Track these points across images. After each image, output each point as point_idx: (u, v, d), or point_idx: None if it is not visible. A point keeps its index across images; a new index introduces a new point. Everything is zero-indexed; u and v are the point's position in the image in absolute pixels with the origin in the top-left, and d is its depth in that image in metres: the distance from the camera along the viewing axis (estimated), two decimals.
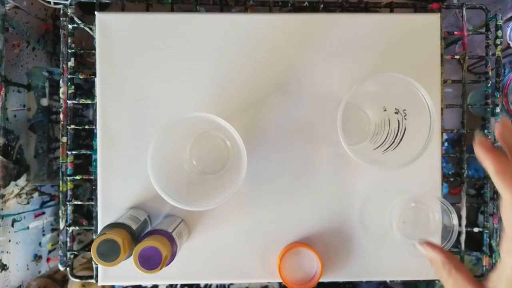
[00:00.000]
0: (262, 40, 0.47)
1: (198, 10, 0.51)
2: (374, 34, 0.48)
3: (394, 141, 0.38)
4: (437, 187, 0.48)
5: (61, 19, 0.49)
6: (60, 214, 0.49)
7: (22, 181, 0.57)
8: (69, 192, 0.49)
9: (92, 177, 0.48)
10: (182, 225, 0.45)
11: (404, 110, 0.39)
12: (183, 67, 0.47)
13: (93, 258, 0.37)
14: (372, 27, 0.48)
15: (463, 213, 0.50)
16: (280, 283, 0.66)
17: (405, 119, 0.38)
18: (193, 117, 0.37)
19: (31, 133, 0.58)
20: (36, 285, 0.58)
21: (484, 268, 0.51)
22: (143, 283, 0.50)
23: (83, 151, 0.50)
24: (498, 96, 0.51)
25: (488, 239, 0.51)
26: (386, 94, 0.41)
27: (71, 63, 0.49)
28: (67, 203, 0.49)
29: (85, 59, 0.67)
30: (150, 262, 0.37)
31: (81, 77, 0.49)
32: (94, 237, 0.49)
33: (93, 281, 0.49)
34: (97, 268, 0.48)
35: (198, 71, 0.47)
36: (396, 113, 0.39)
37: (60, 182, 0.49)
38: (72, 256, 0.50)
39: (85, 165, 0.68)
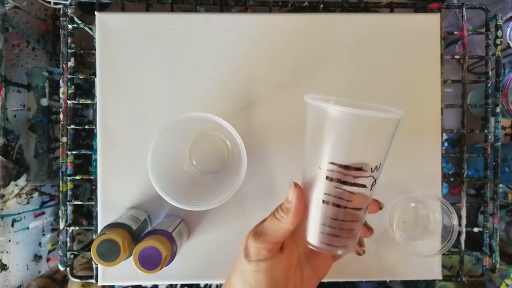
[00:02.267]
0: (262, 40, 0.47)
1: (198, 10, 0.51)
2: (374, 34, 0.48)
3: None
4: (437, 187, 0.48)
5: (61, 19, 0.49)
6: (60, 214, 0.49)
7: (22, 181, 0.57)
8: (69, 192, 0.49)
9: (92, 177, 0.48)
10: (182, 225, 0.45)
11: None
12: (183, 67, 0.47)
13: (93, 258, 0.37)
14: (372, 27, 0.48)
15: (463, 213, 0.50)
16: None
17: None
18: (193, 117, 0.37)
19: (31, 133, 0.58)
20: (36, 285, 0.58)
21: (484, 268, 0.51)
22: (143, 283, 0.50)
23: (83, 151, 0.50)
24: (498, 96, 0.51)
25: (488, 239, 0.51)
26: None
27: (71, 63, 0.49)
28: (67, 203, 0.49)
29: (85, 59, 0.67)
30: (150, 262, 0.37)
31: (81, 77, 0.49)
32: (94, 237, 0.49)
33: (93, 281, 0.49)
34: (97, 268, 0.48)
35: (198, 71, 0.47)
36: None
37: (60, 182, 0.49)
38: (72, 256, 0.50)
39: (85, 165, 0.68)
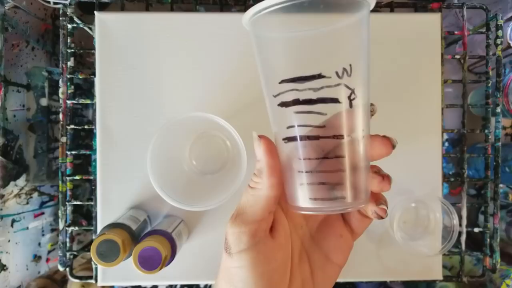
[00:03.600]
0: None
1: (198, 10, 0.51)
2: (374, 33, 0.48)
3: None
4: (437, 187, 0.48)
5: (60, 18, 0.49)
6: (60, 214, 0.49)
7: (21, 181, 0.57)
8: (69, 192, 0.49)
9: (91, 177, 0.48)
10: (181, 225, 0.45)
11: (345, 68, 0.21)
12: (183, 67, 0.47)
13: (93, 259, 0.37)
14: (372, 27, 0.48)
15: (464, 213, 0.50)
16: None
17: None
18: (193, 117, 0.37)
19: (31, 133, 0.58)
20: (36, 285, 0.58)
21: (484, 268, 0.51)
22: (142, 284, 0.50)
23: (82, 151, 0.49)
24: (498, 96, 0.51)
25: (488, 240, 0.50)
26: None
27: (70, 63, 0.49)
28: (67, 203, 0.49)
29: (85, 59, 0.67)
30: (150, 262, 0.37)
31: (80, 77, 0.49)
32: (93, 237, 0.48)
33: (92, 281, 0.49)
34: (96, 268, 0.48)
35: (198, 71, 0.47)
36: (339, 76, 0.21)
37: (60, 182, 0.49)
38: (71, 257, 0.50)
39: (85, 165, 0.67)
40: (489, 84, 0.51)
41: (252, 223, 0.22)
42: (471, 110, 0.67)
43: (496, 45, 0.50)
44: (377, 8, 0.54)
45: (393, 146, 0.22)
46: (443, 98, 0.48)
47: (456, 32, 0.51)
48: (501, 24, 0.49)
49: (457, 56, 0.51)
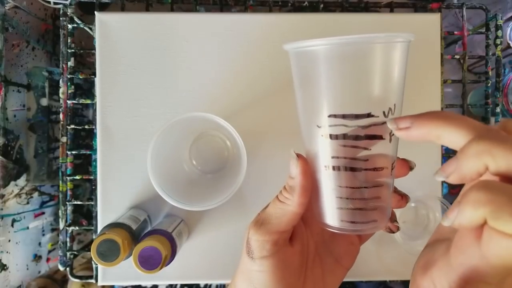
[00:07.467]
0: (262, 40, 0.47)
1: (198, 10, 0.51)
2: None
3: None
4: (437, 187, 0.48)
5: (61, 19, 0.49)
6: (60, 214, 0.49)
7: (21, 181, 0.57)
8: (69, 192, 0.49)
9: (92, 177, 0.48)
10: (182, 225, 0.45)
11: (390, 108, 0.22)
12: (183, 67, 0.47)
13: (93, 258, 0.37)
14: (372, 27, 0.48)
15: None
16: None
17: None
18: (193, 117, 0.37)
19: (31, 133, 0.58)
20: (36, 285, 0.58)
21: None
22: (143, 283, 0.50)
23: (82, 151, 0.50)
24: (498, 96, 0.51)
25: None
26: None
27: (71, 63, 0.49)
28: (67, 203, 0.49)
29: (85, 59, 0.67)
30: (150, 262, 0.37)
31: (81, 77, 0.49)
32: (94, 237, 0.49)
33: (92, 281, 0.49)
34: (96, 268, 0.48)
35: (198, 71, 0.47)
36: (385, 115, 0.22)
37: (60, 182, 0.49)
38: (72, 256, 0.50)
39: (85, 165, 0.68)
40: (489, 84, 0.51)
41: (276, 233, 0.24)
42: (471, 110, 0.67)
43: (496, 45, 0.50)
44: (377, 8, 0.54)
45: (411, 168, 0.25)
46: (443, 98, 0.48)
47: (455, 32, 0.51)
48: (500, 24, 0.49)
49: (457, 56, 0.51)
